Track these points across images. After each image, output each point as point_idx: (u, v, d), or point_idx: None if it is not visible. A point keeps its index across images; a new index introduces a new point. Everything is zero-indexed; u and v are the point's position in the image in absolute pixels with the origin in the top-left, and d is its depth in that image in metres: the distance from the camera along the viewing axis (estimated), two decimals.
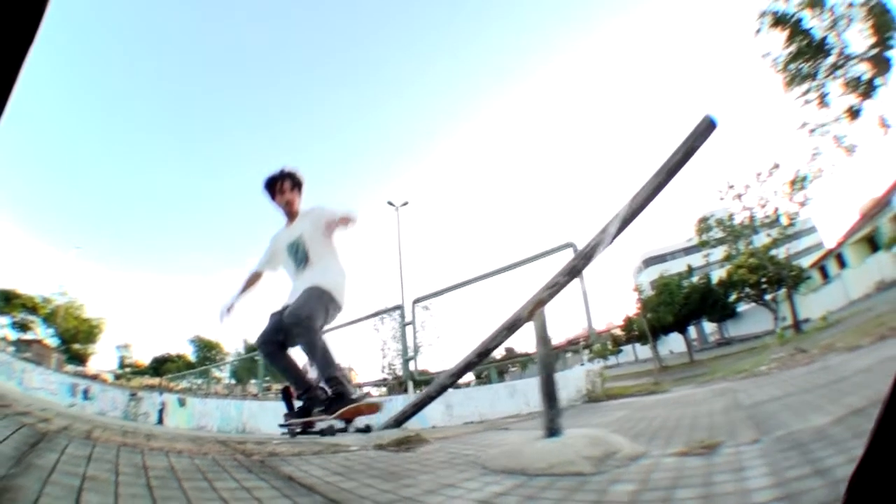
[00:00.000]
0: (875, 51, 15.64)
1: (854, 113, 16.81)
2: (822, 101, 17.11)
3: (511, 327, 3.45)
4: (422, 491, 1.84)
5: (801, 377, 4.36)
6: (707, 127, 2.88)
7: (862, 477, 0.83)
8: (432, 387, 4.36)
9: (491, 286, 9.08)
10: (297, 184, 4.27)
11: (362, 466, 2.37)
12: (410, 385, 8.63)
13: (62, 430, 2.48)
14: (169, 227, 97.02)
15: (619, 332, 41.57)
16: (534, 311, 2.93)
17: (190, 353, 57.56)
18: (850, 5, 15.74)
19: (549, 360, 2.86)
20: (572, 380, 7.03)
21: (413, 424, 5.78)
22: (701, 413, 3.74)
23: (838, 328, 13.22)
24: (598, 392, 7.15)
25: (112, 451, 2.19)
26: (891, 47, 15.54)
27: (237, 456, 2.62)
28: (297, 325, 3.62)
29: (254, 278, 4.41)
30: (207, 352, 56.48)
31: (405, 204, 31.06)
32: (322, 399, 3.97)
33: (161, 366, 51.56)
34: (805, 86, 17.12)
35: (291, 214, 4.21)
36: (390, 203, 30.88)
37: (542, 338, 2.92)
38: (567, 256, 5.48)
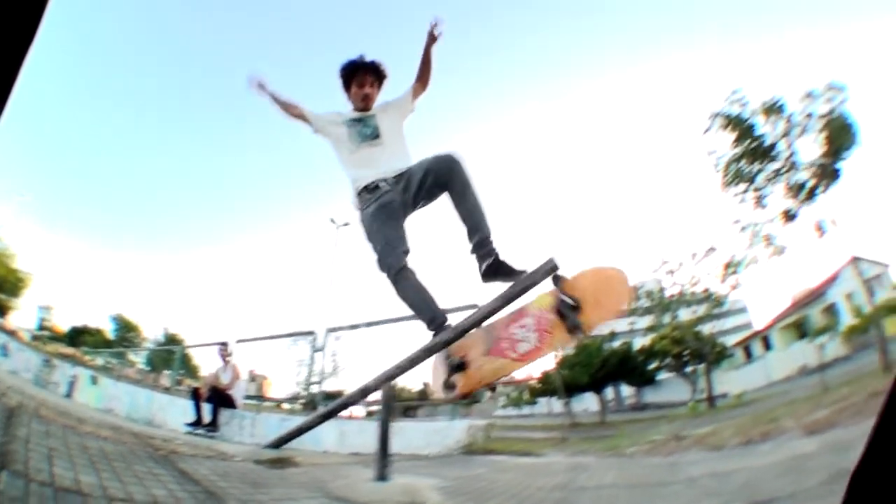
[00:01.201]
0: (825, 161, 16.22)
1: (790, 217, 17.15)
2: (759, 202, 17.53)
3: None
4: (269, 499, 2.82)
5: (649, 470, 5.08)
6: (550, 268, 3.81)
7: (862, 477, 0.88)
8: (312, 417, 5.02)
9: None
10: (380, 78, 3.89)
11: (238, 474, 3.34)
12: (319, 407, 9.28)
13: None
14: (118, 200, 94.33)
15: (535, 383, 42.36)
16: (380, 384, 3.70)
17: (109, 331, 56.08)
18: (809, 116, 16.35)
19: (388, 416, 3.75)
20: (456, 430, 8.01)
21: (307, 445, 6.62)
22: (533, 486, 4.37)
23: (749, 408, 14.54)
24: (478, 445, 8.14)
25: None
26: (842, 159, 16.09)
27: (147, 448, 3.55)
28: (458, 163, 3.33)
29: (294, 108, 3.94)
30: (126, 332, 55.24)
31: (346, 224, 30.98)
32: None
33: (78, 336, 50.01)
34: (743, 186, 17.48)
35: (365, 111, 3.81)
36: (332, 220, 31.06)
37: (387, 403, 3.82)
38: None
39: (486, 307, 3.32)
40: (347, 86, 3.83)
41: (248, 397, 11.00)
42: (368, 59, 3.80)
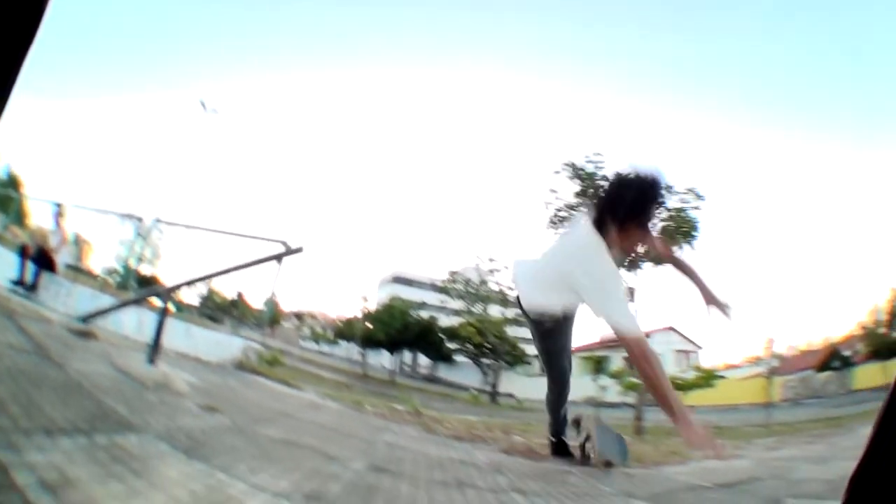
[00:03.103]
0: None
1: None
2: None
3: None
4: (75, 359, 4.58)
5: (363, 425, 6.91)
6: (293, 251, 5.64)
7: (862, 477, 0.94)
8: (122, 300, 6.63)
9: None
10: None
11: (56, 336, 5.05)
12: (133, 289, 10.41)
13: None
14: None
15: (340, 325, 43.89)
16: (173, 290, 5.57)
17: None
18: (659, 204, 18.43)
19: (164, 315, 5.51)
20: (233, 346, 9.86)
21: (111, 326, 7.69)
22: (266, 406, 6.51)
23: (520, 413, 16.73)
24: (249, 364, 10.02)
25: None
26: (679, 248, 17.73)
27: None
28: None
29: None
30: None
31: (215, 111, 32.01)
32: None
33: None
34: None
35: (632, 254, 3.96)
36: (202, 104, 30.20)
37: (165, 302, 5.56)
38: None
39: None
40: (645, 220, 3.37)
41: (68, 265, 11.84)
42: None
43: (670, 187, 17.92)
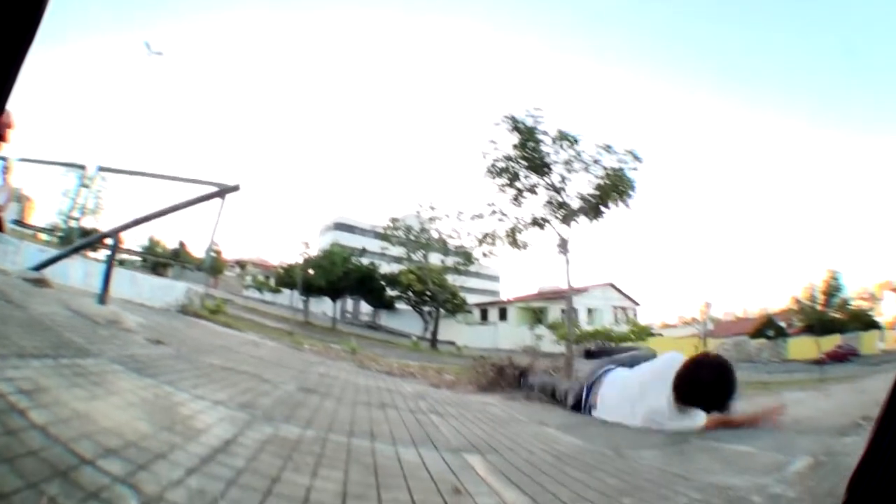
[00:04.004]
0: (592, 200, 17.90)
1: (539, 224, 18.83)
2: (517, 200, 18.95)
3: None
4: (35, 302, 4.80)
5: (295, 358, 7.67)
6: (230, 189, 5.99)
7: (862, 477, 0.93)
8: (68, 248, 6.80)
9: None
10: None
11: (14, 284, 5.24)
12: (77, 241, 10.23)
13: None
14: None
15: (281, 272, 43.01)
16: (122, 230, 5.81)
17: None
18: (597, 162, 18.14)
19: (112, 258, 5.77)
20: (177, 290, 10.06)
21: (59, 279, 7.83)
22: (207, 342, 6.81)
23: (458, 359, 17.06)
24: (192, 308, 10.26)
25: None
26: (607, 206, 17.87)
27: None
28: None
29: None
30: None
31: (160, 53, 30.27)
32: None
33: None
34: (504, 181, 18.74)
35: None
36: (146, 45, 29.00)
37: (113, 248, 5.81)
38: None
39: None
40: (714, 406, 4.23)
41: (13, 221, 11.53)
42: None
43: (609, 147, 18.27)
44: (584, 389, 5.11)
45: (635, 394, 4.50)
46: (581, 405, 5.04)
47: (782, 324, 51.26)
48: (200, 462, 1.60)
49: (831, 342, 41.74)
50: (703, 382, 4.17)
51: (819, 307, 45.50)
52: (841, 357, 36.96)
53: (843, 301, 46.61)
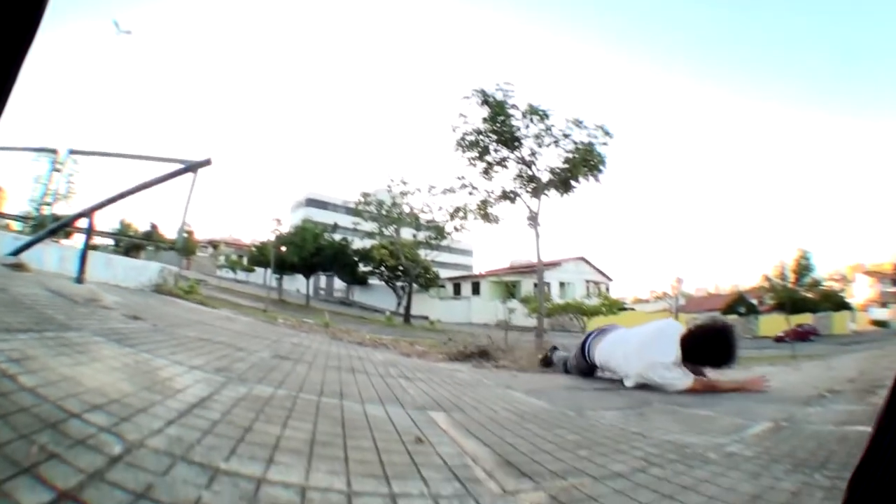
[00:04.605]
0: (562, 174, 18.29)
1: (509, 197, 19.39)
2: (487, 174, 19.47)
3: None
4: (16, 284, 4.83)
5: (269, 331, 7.83)
6: (201, 163, 6.11)
7: (862, 477, 0.91)
8: (42, 232, 6.87)
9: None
10: None
11: None
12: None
13: None
14: None
15: (254, 251, 42.66)
16: (97, 209, 5.87)
17: None
18: (567, 136, 18.42)
19: (89, 239, 5.84)
20: (150, 270, 10.04)
21: (34, 265, 7.89)
22: (182, 318, 6.83)
23: (433, 334, 16.76)
24: (166, 287, 10.24)
25: None
26: (577, 180, 18.30)
27: None
28: None
29: None
30: None
31: (129, 32, 28.16)
32: None
33: None
34: (475, 154, 19.11)
35: None
36: (115, 24, 27.54)
37: (88, 231, 5.90)
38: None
39: None
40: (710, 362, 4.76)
41: None
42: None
43: (580, 122, 18.45)
44: (585, 348, 5.48)
45: (634, 349, 4.86)
46: (586, 359, 5.46)
47: (753, 301, 52.40)
48: (178, 415, 1.74)
49: (803, 321, 42.97)
50: (715, 339, 4.67)
51: (790, 286, 46.14)
52: (802, 336, 38.21)
53: (813, 281, 47.39)
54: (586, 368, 5.52)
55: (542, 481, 1.67)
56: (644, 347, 4.83)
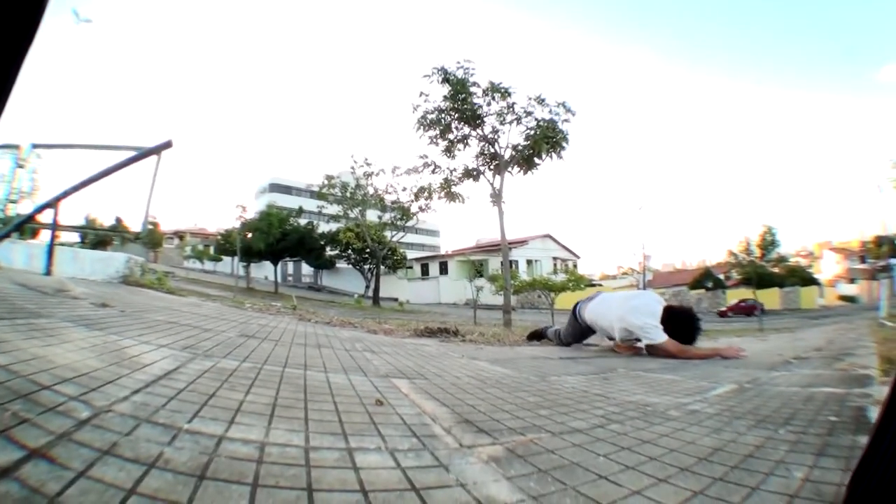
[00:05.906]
0: (525, 151, 17.80)
1: (473, 175, 18.99)
2: (449, 152, 18.91)
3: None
4: None
5: (233, 314, 7.73)
6: (163, 146, 6.05)
7: (862, 477, 0.90)
8: (7, 227, 6.71)
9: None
10: None
11: None
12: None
13: None
14: None
15: (220, 240, 41.69)
16: (63, 198, 5.81)
17: None
18: (529, 114, 17.95)
19: (54, 233, 5.78)
20: (117, 261, 9.86)
21: (4, 263, 7.72)
22: (152, 305, 6.81)
23: (402, 315, 17.14)
24: (134, 278, 10.09)
25: None
26: (540, 157, 17.78)
27: None
28: None
29: None
30: None
31: (89, 21, 27.65)
32: None
33: None
34: (435, 133, 18.49)
35: None
36: (74, 13, 26.66)
37: (53, 226, 5.85)
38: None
39: None
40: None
41: None
42: None
43: (542, 99, 18.05)
44: (576, 311, 6.03)
45: (621, 301, 5.56)
46: (577, 320, 6.00)
47: (720, 276, 53.55)
48: (145, 385, 1.81)
49: (770, 295, 44.09)
50: (686, 318, 5.35)
51: (756, 260, 46.89)
52: (745, 310, 39.07)
53: (779, 256, 48.46)
54: (578, 331, 6.04)
55: (500, 437, 1.73)
56: (631, 300, 5.52)
